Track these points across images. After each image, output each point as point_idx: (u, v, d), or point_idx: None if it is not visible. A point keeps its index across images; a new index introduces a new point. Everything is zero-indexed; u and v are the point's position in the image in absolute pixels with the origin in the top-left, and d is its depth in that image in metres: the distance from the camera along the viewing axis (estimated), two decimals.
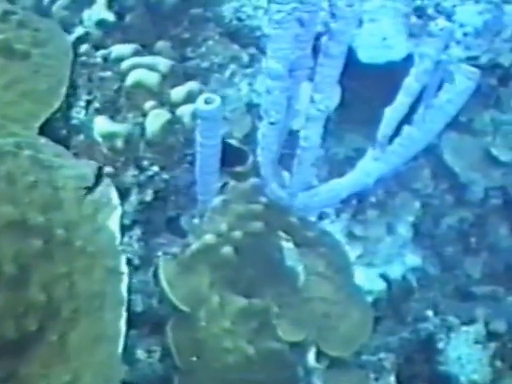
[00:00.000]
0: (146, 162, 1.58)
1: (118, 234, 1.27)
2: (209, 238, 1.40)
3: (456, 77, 1.48)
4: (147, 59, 1.67)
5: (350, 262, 1.68)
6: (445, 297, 2.19)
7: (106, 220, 1.30)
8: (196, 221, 1.47)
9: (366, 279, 2.07)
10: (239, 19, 2.17)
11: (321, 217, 2.25)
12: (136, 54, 1.72)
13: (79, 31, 1.92)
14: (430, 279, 2.23)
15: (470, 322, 1.96)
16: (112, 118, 1.66)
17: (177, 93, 1.63)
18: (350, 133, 2.37)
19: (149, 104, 1.60)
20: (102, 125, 1.54)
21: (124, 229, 1.54)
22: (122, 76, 1.65)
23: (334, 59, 1.50)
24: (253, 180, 1.55)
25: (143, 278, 1.48)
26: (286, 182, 1.65)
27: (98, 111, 1.68)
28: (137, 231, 1.57)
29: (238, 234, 1.41)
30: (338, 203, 1.85)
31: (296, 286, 1.55)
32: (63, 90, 1.53)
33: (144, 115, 1.61)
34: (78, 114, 1.70)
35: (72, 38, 1.90)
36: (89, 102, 1.70)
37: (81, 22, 1.94)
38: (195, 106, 1.39)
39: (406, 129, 1.60)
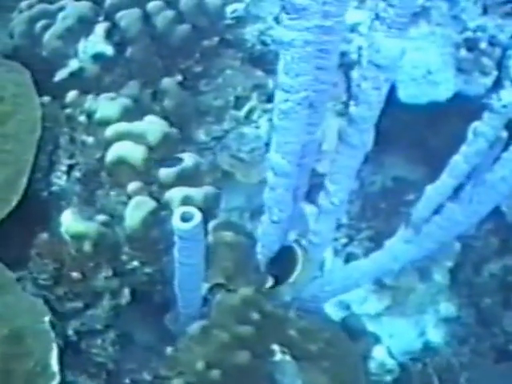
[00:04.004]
0: (124, 257, 1.36)
1: None
2: (177, 383, 1.18)
3: None
4: (135, 126, 1.41)
5: (360, 373, 1.45)
6: (478, 355, 1.99)
7: None
8: (170, 350, 1.25)
9: (387, 353, 1.86)
10: (264, 43, 1.90)
11: (347, 260, 2.05)
12: (125, 112, 1.47)
13: (73, 65, 1.68)
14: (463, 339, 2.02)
15: None
16: (93, 192, 1.43)
17: (166, 172, 1.39)
18: (390, 157, 2.14)
19: (132, 185, 1.37)
20: (69, 222, 1.30)
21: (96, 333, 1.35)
22: (106, 145, 1.41)
23: (353, 149, 1.26)
24: (244, 291, 1.31)
25: None
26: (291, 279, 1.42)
27: (80, 181, 1.45)
28: (110, 334, 1.36)
29: (216, 373, 1.19)
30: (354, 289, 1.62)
31: None
32: (24, 182, 1.28)
33: (129, 196, 1.38)
34: (59, 179, 1.49)
35: (65, 73, 1.67)
36: (70, 167, 1.48)
37: (76, 54, 1.69)
38: (172, 221, 1.14)
39: (447, 208, 1.37)
